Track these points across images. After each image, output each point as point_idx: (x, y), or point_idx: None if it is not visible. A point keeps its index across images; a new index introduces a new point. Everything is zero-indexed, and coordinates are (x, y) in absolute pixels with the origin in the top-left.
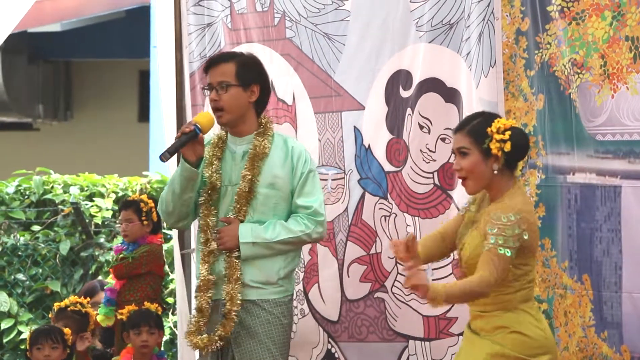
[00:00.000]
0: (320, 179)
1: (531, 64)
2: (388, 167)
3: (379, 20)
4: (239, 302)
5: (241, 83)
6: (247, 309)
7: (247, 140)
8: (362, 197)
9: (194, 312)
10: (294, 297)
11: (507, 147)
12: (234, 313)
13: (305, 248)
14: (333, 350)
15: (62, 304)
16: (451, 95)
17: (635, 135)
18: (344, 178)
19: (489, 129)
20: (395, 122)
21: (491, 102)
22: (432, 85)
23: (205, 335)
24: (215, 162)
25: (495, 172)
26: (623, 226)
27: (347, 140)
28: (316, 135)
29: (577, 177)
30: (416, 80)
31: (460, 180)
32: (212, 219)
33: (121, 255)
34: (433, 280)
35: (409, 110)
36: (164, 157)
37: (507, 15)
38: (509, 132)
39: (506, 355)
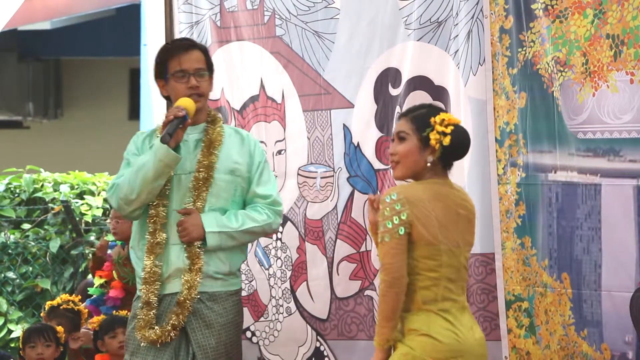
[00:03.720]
0: (309, 177)
1: (513, 62)
2: (378, 165)
3: (368, 18)
4: (196, 292)
5: (209, 72)
6: (210, 307)
7: (198, 129)
8: (352, 195)
9: (140, 305)
10: (281, 295)
11: (446, 141)
12: (189, 303)
13: (293, 246)
14: (322, 349)
15: (54, 302)
16: (439, 94)
17: (615, 133)
18: (333, 176)
19: (432, 119)
20: (384, 120)
21: (480, 100)
22: (420, 83)
23: (157, 328)
24: None
25: (429, 164)
26: (603, 224)
27: (336, 138)
28: (305, 133)
29: (559, 176)
30: (405, 78)
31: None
32: (162, 209)
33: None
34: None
35: (397, 108)
36: (165, 139)
37: (491, 14)
38: (451, 127)
39: (415, 357)
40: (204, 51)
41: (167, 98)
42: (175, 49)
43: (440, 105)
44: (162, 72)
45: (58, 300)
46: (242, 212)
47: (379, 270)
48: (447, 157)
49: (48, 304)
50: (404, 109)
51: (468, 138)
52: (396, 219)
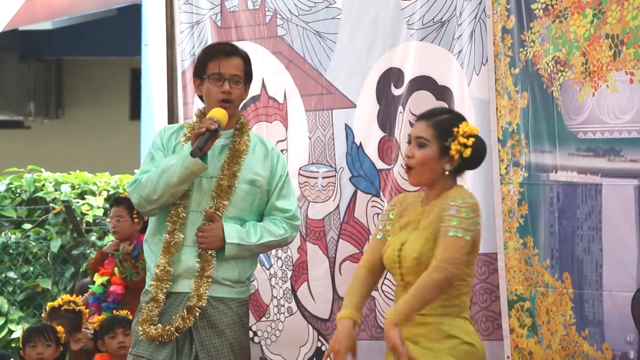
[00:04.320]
0: (310, 177)
1: (515, 62)
2: (380, 164)
3: (370, 18)
4: (205, 298)
5: (245, 80)
6: (215, 306)
7: (226, 134)
8: (354, 195)
9: (147, 300)
10: (282, 295)
11: (467, 152)
12: (198, 310)
13: (294, 246)
14: (323, 349)
15: (55, 303)
16: (442, 94)
17: (615, 133)
18: (334, 176)
19: (455, 129)
20: (387, 120)
21: (483, 100)
22: (424, 83)
23: (159, 325)
24: None
25: (447, 172)
26: (604, 224)
27: (338, 138)
28: (307, 133)
29: (559, 176)
30: (407, 78)
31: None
32: (182, 210)
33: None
34: None
35: (400, 108)
36: (195, 154)
37: (494, 13)
38: (472, 139)
39: None
40: (245, 59)
41: (201, 97)
42: (217, 51)
43: (444, 104)
44: (200, 72)
45: (59, 301)
46: (261, 225)
47: (444, 259)
48: (462, 167)
49: (49, 305)
50: (414, 109)
51: (486, 149)
52: (479, 222)
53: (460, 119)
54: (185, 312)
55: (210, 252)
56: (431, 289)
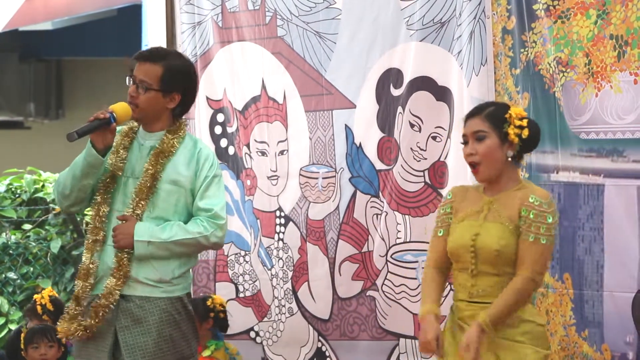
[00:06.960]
0: (311, 178)
1: (516, 63)
2: (379, 165)
3: (370, 18)
4: (114, 299)
5: (162, 89)
6: (141, 305)
7: (156, 136)
8: (354, 195)
9: (70, 299)
10: (283, 295)
11: (525, 133)
12: (102, 309)
13: (294, 247)
14: (324, 349)
15: (38, 298)
16: (442, 94)
17: (619, 133)
18: (334, 176)
19: (507, 115)
20: (386, 121)
21: (482, 101)
22: (423, 83)
23: (73, 323)
24: (121, 150)
25: (510, 158)
26: (605, 225)
27: (338, 138)
28: (307, 133)
29: (561, 176)
30: (407, 78)
31: (449, 179)
32: (104, 208)
33: None
34: None
35: (399, 109)
36: (71, 137)
37: (494, 14)
38: (526, 120)
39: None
40: (167, 69)
41: None
42: (138, 55)
43: (444, 104)
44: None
45: (38, 297)
46: (177, 223)
47: (535, 270)
48: (523, 150)
49: (27, 311)
50: (414, 109)
51: (539, 129)
52: (555, 229)
53: (507, 106)
54: (92, 311)
55: (125, 251)
56: (523, 301)
